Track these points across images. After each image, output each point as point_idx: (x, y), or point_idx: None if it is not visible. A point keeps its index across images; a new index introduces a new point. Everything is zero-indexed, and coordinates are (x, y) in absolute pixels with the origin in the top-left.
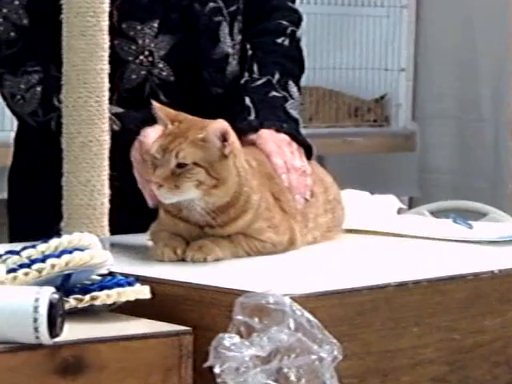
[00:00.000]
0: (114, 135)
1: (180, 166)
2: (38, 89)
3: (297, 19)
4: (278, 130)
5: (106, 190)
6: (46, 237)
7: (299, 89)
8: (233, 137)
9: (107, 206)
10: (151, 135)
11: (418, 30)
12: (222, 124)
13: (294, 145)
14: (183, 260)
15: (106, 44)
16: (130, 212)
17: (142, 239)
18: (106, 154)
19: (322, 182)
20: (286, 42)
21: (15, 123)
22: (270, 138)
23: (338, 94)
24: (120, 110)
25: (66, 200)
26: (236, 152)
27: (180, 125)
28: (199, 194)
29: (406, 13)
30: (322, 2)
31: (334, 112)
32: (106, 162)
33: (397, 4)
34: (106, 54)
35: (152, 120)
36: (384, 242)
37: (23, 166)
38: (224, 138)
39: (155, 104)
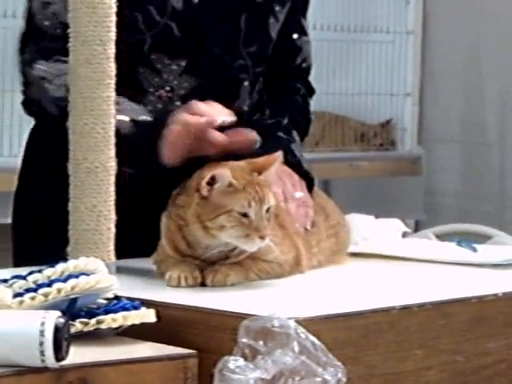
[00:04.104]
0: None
1: (267, 210)
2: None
3: (311, 90)
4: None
5: (113, 216)
6: (50, 261)
7: (301, 141)
8: None
9: (113, 231)
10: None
11: (423, 56)
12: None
13: (296, 176)
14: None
15: (113, 72)
16: (135, 236)
17: (148, 263)
18: (112, 179)
19: (323, 209)
20: (300, 100)
21: (20, 149)
22: None
23: (344, 119)
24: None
25: (73, 225)
26: None
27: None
28: None
29: (411, 38)
30: (329, 28)
31: (340, 137)
32: (112, 188)
33: (402, 30)
34: (112, 82)
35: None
36: (388, 266)
37: (30, 180)
38: None
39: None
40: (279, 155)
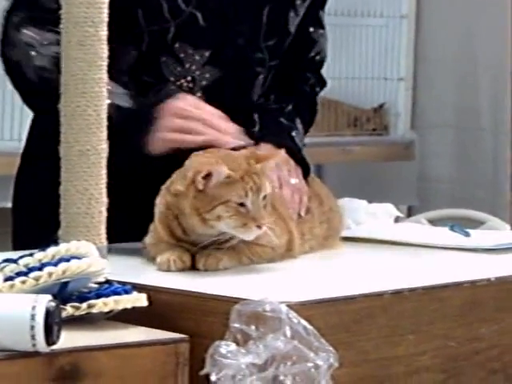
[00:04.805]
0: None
1: (263, 198)
2: (55, 48)
3: (322, 82)
4: (277, 146)
5: (104, 199)
6: (44, 245)
7: (304, 132)
8: None
9: (105, 214)
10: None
11: (417, 40)
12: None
13: (292, 163)
14: (190, 268)
15: (105, 54)
16: (127, 220)
17: (139, 247)
18: (104, 162)
19: (317, 196)
20: (308, 89)
21: (22, 133)
22: None
23: (337, 104)
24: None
25: (64, 208)
26: None
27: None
28: None
29: (405, 23)
30: None
31: (333, 121)
32: (104, 171)
33: (396, 14)
34: (104, 64)
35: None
36: (380, 250)
37: (32, 163)
38: None
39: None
40: (282, 152)
